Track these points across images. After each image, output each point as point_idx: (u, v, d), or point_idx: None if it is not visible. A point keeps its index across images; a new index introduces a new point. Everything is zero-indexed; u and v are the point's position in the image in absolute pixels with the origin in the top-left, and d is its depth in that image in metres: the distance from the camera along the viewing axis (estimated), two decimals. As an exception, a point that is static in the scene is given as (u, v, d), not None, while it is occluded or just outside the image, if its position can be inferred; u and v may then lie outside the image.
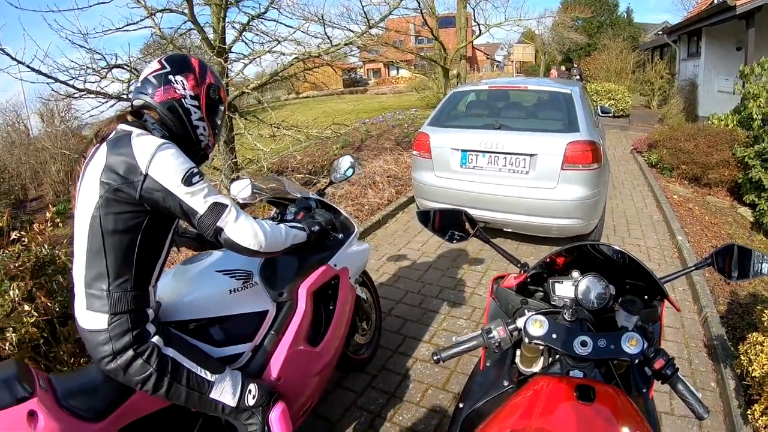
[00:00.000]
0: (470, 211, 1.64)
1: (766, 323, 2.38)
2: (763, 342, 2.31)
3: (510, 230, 4.27)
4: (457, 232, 1.61)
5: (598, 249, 1.28)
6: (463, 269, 4.05)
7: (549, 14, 17.01)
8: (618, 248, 1.24)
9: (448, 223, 1.63)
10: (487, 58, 43.29)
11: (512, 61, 34.30)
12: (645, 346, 1.05)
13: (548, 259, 1.35)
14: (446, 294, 3.64)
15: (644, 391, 1.23)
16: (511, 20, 11.40)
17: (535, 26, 24.30)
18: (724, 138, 6.52)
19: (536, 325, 1.11)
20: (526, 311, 1.26)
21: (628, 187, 6.71)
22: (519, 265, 1.43)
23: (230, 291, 1.67)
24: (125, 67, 4.85)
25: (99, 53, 4.71)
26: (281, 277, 1.87)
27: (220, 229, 1.33)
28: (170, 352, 1.35)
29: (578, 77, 16.90)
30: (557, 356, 1.15)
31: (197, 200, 1.29)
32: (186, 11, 5.08)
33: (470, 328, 3.19)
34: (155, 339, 1.32)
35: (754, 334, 2.46)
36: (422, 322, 3.27)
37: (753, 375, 2.26)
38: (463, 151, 4.22)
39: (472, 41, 13.11)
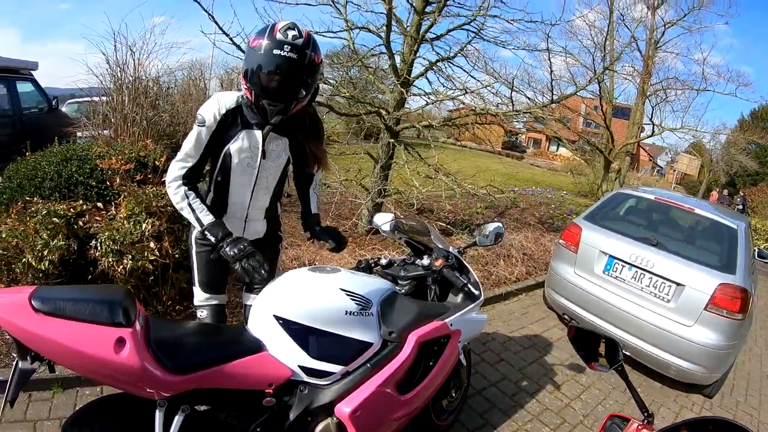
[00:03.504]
0: (594, 321, 1.50)
1: None
2: None
3: (627, 353, 3.74)
4: (592, 356, 1.52)
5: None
6: (566, 375, 3.70)
7: (725, 130, 15.43)
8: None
9: (584, 342, 1.55)
10: (650, 161, 39.95)
11: (674, 170, 31.38)
12: None
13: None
14: (542, 395, 3.35)
15: None
16: (688, 128, 10.49)
17: (708, 140, 22.08)
18: None
19: None
20: None
21: (761, 345, 5.58)
22: (645, 414, 1.26)
23: (346, 312, 1.67)
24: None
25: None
26: (398, 317, 1.86)
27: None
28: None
29: (741, 207, 15.49)
30: None
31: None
32: (383, 35, 5.33)
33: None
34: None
35: None
36: (508, 414, 3.04)
37: None
38: (611, 257, 3.94)
39: (642, 139, 12.25)
